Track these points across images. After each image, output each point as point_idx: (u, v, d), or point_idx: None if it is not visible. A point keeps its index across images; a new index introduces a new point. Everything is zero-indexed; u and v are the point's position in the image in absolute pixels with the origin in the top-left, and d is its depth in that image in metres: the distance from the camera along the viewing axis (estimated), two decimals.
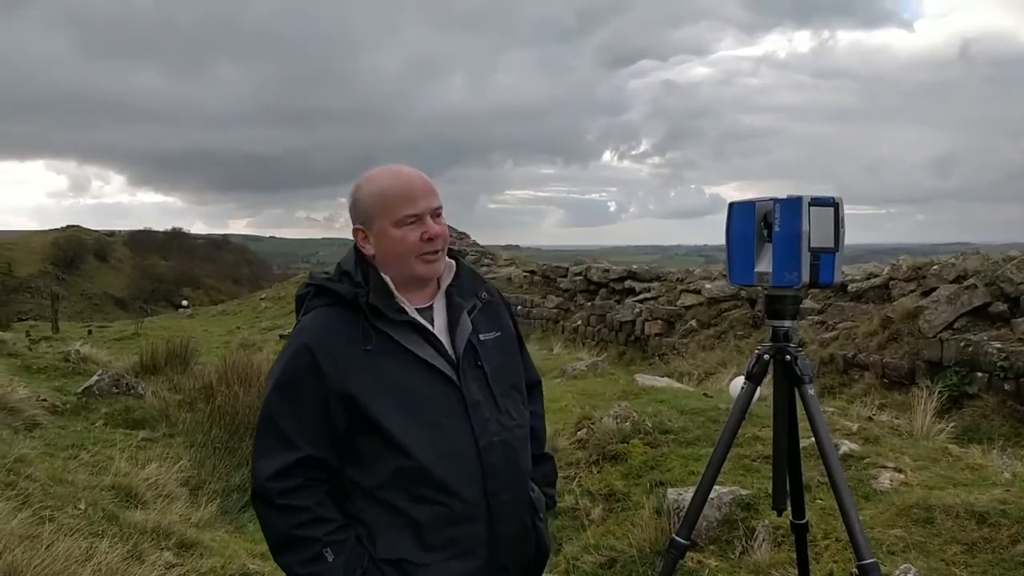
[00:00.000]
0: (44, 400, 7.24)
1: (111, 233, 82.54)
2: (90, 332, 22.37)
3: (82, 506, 4.53)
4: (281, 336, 22.87)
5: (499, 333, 2.18)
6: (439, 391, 2.02)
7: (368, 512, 2.00)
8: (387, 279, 2.03)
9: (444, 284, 2.13)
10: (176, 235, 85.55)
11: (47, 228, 79.25)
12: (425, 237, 2.03)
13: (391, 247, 2.03)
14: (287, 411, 1.97)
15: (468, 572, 2.02)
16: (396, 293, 2.03)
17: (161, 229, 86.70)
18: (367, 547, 1.98)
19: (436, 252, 2.06)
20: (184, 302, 43.27)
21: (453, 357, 2.05)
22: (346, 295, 2.00)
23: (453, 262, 2.16)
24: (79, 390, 7.72)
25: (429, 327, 2.05)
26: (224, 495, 5.74)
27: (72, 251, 68.92)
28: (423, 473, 1.97)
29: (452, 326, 2.09)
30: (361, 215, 2.06)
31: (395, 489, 1.98)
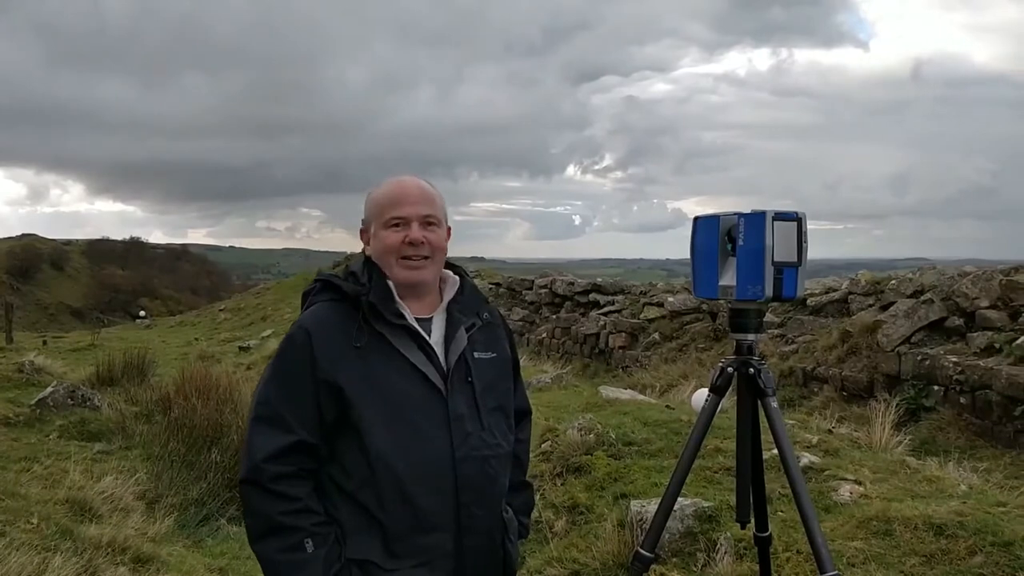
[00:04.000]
0: None
1: (68, 242, 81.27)
2: (45, 343, 21.92)
3: (35, 520, 4.43)
4: (241, 348, 22.64)
5: (494, 355, 2.20)
6: (424, 397, 2.05)
7: (343, 511, 2.01)
8: (391, 284, 2.09)
9: (446, 298, 2.17)
10: (134, 245, 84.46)
11: (2, 237, 77.82)
12: (406, 240, 2.10)
13: (377, 247, 2.14)
14: (284, 394, 2.00)
15: None
16: (397, 298, 2.08)
17: (119, 238, 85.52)
18: (341, 545, 2.00)
19: (419, 258, 2.11)
20: (142, 313, 42.65)
21: (444, 368, 2.08)
22: (349, 292, 2.07)
23: (457, 278, 2.21)
24: (33, 402, 7.57)
25: (424, 335, 2.08)
26: (182, 509, 5.64)
27: (27, 260, 67.77)
28: (394, 478, 1.99)
29: (448, 339, 2.12)
30: (366, 217, 2.19)
31: (368, 492, 2.00)
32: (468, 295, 2.21)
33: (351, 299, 2.06)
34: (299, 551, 1.93)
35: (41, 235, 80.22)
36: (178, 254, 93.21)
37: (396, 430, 2.00)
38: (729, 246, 2.56)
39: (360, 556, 1.99)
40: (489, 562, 2.13)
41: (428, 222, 2.13)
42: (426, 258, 2.11)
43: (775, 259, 2.46)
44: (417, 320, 2.09)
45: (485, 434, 2.10)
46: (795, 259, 2.49)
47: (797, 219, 2.49)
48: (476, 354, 2.14)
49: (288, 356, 2.03)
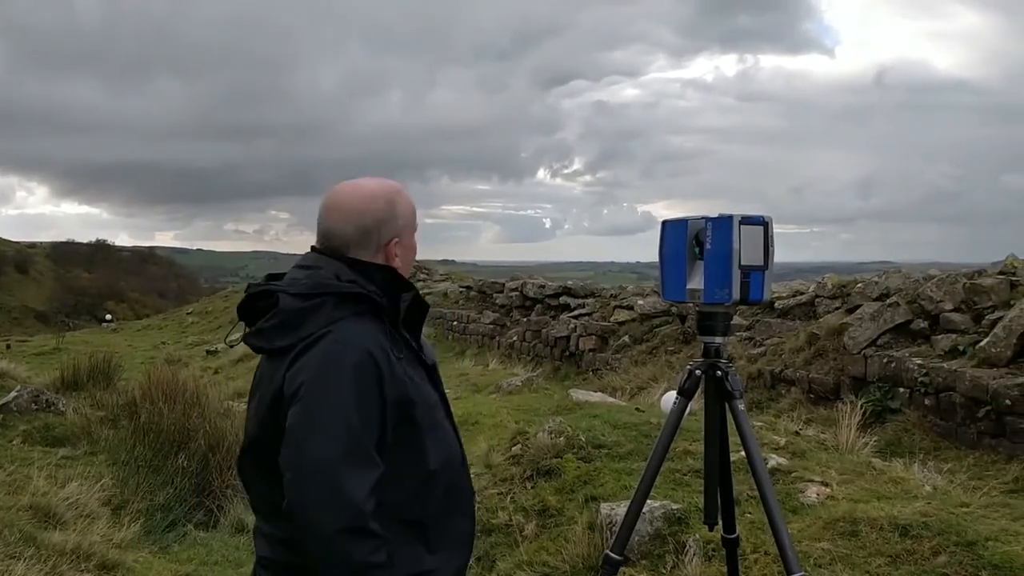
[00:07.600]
0: None
1: (32, 245, 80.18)
2: (9, 347, 21.61)
3: None
4: (208, 352, 22.29)
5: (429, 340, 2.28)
6: (439, 397, 2.08)
7: (389, 530, 1.90)
8: None
9: None
10: (100, 247, 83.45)
11: None
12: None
13: (410, 256, 2.12)
14: (364, 425, 1.86)
15: (462, 568, 2.07)
16: None
17: (85, 241, 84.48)
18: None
19: None
20: (108, 316, 42.11)
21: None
22: (382, 303, 1.96)
23: None
24: None
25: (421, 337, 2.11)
26: (148, 514, 5.57)
27: None
28: (446, 481, 2.01)
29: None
30: (400, 227, 2.08)
31: (415, 500, 1.95)
32: None
33: (380, 309, 1.95)
34: None
35: (5, 237, 79.18)
36: (145, 257, 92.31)
37: (437, 434, 2.01)
38: (697, 250, 2.58)
39: (414, 570, 1.93)
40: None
41: None
42: None
43: (742, 263, 2.49)
44: None
45: None
46: (762, 263, 2.52)
47: (764, 223, 2.52)
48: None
49: (362, 381, 1.87)
